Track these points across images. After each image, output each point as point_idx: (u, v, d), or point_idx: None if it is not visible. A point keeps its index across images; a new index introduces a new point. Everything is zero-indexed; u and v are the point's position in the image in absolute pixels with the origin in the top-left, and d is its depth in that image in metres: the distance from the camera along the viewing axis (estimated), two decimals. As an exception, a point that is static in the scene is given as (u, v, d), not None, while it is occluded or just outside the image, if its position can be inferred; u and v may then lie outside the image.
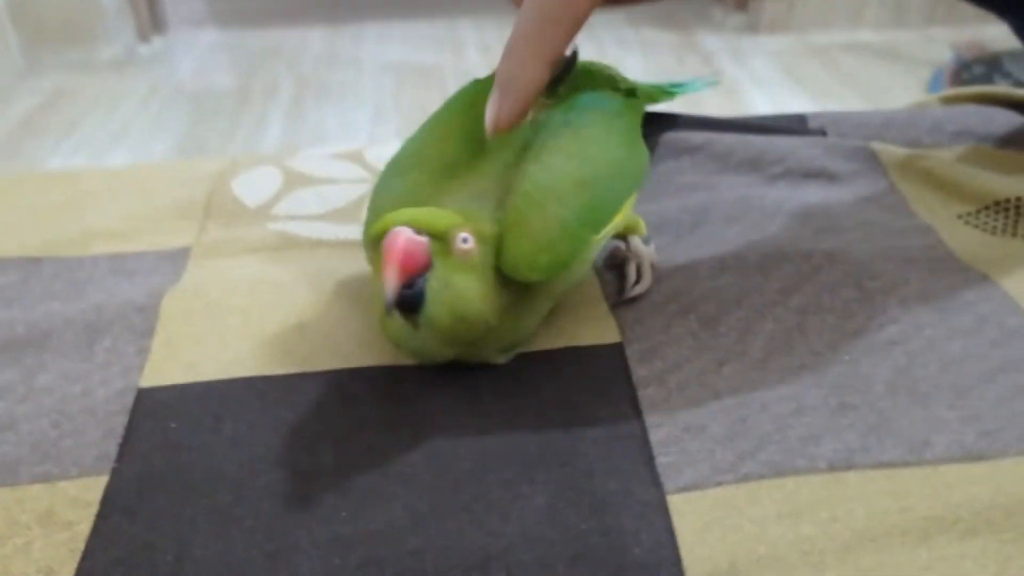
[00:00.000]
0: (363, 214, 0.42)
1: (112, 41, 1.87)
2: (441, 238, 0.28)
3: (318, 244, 0.40)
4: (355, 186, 0.45)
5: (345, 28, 2.05)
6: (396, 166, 0.35)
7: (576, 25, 0.30)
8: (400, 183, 0.34)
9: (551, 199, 0.30)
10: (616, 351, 0.33)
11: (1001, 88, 0.52)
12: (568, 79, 0.36)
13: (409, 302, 0.28)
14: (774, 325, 0.34)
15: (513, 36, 0.30)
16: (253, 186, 0.45)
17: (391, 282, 0.27)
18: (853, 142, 0.46)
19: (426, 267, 0.28)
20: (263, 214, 0.42)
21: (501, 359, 0.32)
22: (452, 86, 1.70)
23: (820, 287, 0.35)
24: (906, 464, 0.28)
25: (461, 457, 0.29)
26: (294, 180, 0.45)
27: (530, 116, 0.34)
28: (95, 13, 1.82)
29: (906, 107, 0.53)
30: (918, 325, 0.33)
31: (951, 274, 0.36)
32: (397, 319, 0.28)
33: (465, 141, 0.34)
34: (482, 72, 0.43)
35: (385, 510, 0.27)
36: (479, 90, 0.36)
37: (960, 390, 0.31)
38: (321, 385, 0.31)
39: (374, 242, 0.28)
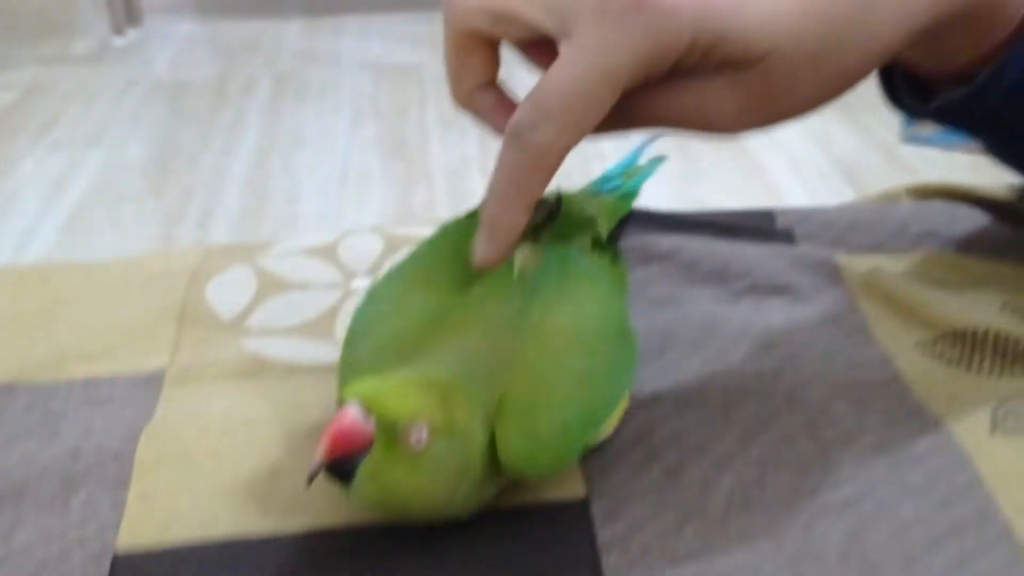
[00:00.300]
0: (338, 330, 0.43)
1: (87, 33, 1.85)
2: (389, 428, 0.28)
3: (292, 370, 0.41)
4: (329, 292, 0.45)
5: (324, 21, 2.04)
6: (378, 307, 0.35)
7: (553, 170, 0.31)
8: (382, 330, 0.34)
9: (555, 397, 0.31)
10: (581, 509, 0.34)
11: (965, 185, 0.53)
12: (550, 226, 0.37)
13: (337, 472, 0.28)
14: (733, 478, 0.35)
15: (495, 177, 0.31)
16: (227, 292, 0.45)
17: (316, 456, 0.27)
18: (818, 253, 0.47)
19: (365, 449, 0.28)
20: (237, 327, 0.43)
21: (465, 516, 0.32)
22: (431, 88, 1.70)
23: (779, 436, 0.36)
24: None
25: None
26: (268, 286, 0.46)
27: (518, 263, 0.35)
28: (69, 4, 1.80)
29: (875, 201, 0.54)
30: (872, 483, 0.34)
31: (907, 420, 0.37)
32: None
33: (450, 289, 0.35)
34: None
35: None
36: (460, 232, 0.36)
37: (908, 559, 0.32)
38: (292, 552, 0.32)
39: (339, 400, 0.29)
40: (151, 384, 0.40)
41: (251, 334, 0.43)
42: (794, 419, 0.37)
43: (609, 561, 0.32)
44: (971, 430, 0.37)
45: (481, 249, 0.32)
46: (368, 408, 0.28)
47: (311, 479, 0.28)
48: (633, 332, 0.36)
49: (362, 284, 0.46)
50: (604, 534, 0.33)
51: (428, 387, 0.30)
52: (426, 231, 0.50)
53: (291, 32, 1.99)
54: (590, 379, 0.32)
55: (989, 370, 0.40)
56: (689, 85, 0.31)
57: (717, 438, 0.36)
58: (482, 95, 0.34)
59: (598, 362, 0.33)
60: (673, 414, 0.37)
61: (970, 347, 0.41)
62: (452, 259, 0.36)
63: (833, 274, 0.46)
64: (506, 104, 0.35)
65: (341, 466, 0.28)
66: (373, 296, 0.36)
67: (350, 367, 0.34)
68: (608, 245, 0.38)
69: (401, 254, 0.48)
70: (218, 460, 0.35)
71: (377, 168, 1.32)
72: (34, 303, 0.45)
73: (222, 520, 0.33)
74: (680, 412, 0.37)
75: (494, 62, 0.35)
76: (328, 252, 0.49)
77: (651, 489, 0.35)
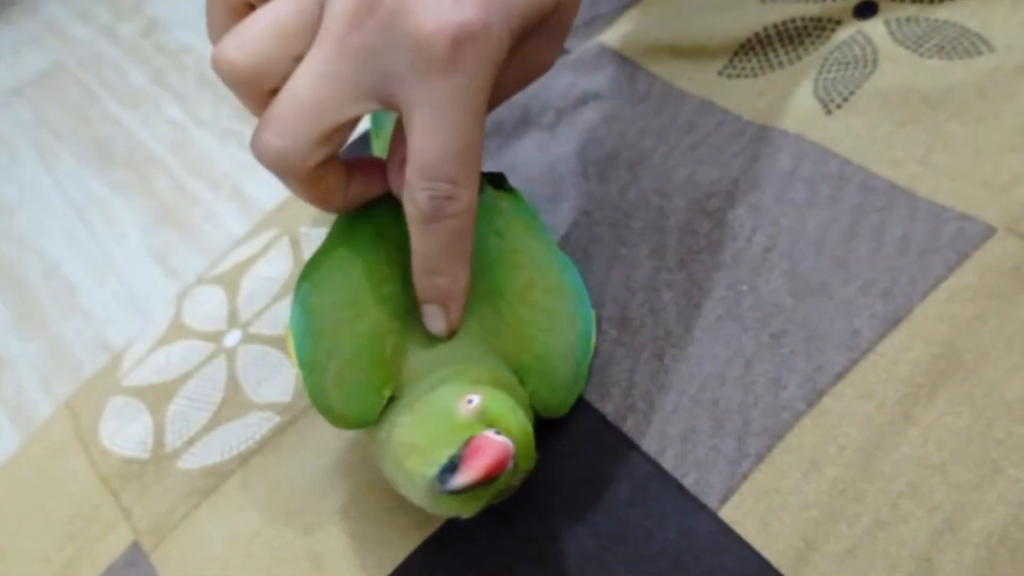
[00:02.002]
0: (249, 389, 0.42)
1: None
2: (523, 443, 0.29)
3: (243, 458, 0.39)
4: (216, 368, 0.44)
5: None
6: (336, 307, 0.33)
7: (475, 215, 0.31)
8: (361, 326, 0.32)
9: (561, 346, 0.33)
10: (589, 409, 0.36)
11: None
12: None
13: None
14: (671, 293, 0.37)
15: (431, 257, 0.31)
16: (124, 430, 0.43)
17: (466, 476, 0.27)
18: (590, 49, 0.47)
19: (506, 467, 0.28)
20: (164, 456, 0.41)
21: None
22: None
23: (678, 233, 0.38)
24: (854, 363, 0.33)
25: None
26: (156, 399, 0.44)
27: None
28: None
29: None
30: (772, 219, 0.37)
31: (756, 145, 0.40)
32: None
33: (403, 281, 0.33)
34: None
35: None
36: (374, 222, 0.34)
37: (842, 262, 0.35)
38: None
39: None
40: (136, 563, 0.38)
41: (181, 454, 0.41)
42: (679, 209, 0.39)
43: (629, 426, 0.34)
44: (808, 121, 0.40)
45: (446, 322, 0.32)
46: (502, 431, 0.28)
47: (453, 490, 0.28)
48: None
49: (233, 339, 0.44)
50: (608, 408, 0.35)
51: (503, 389, 0.31)
52: (245, 253, 0.48)
53: None
54: (573, 313, 0.34)
55: (788, 61, 0.42)
56: (526, 55, 0.31)
57: (630, 268, 0.38)
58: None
59: (570, 293, 0.35)
60: (597, 271, 0.39)
61: (762, 50, 0.43)
62: (382, 250, 0.34)
63: (616, 59, 0.47)
64: None
65: (484, 486, 0.28)
66: (319, 328, 0.33)
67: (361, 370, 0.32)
68: (491, 175, 0.37)
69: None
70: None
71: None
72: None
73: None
74: (585, 260, 0.39)
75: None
76: (181, 331, 0.46)
77: (616, 345, 0.36)
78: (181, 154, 1.27)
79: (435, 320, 0.32)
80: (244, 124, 1.24)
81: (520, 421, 0.29)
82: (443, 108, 0.28)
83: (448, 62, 0.27)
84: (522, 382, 0.33)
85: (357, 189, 0.33)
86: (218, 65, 0.29)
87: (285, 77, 0.29)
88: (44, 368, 1.10)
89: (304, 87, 0.28)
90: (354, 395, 0.32)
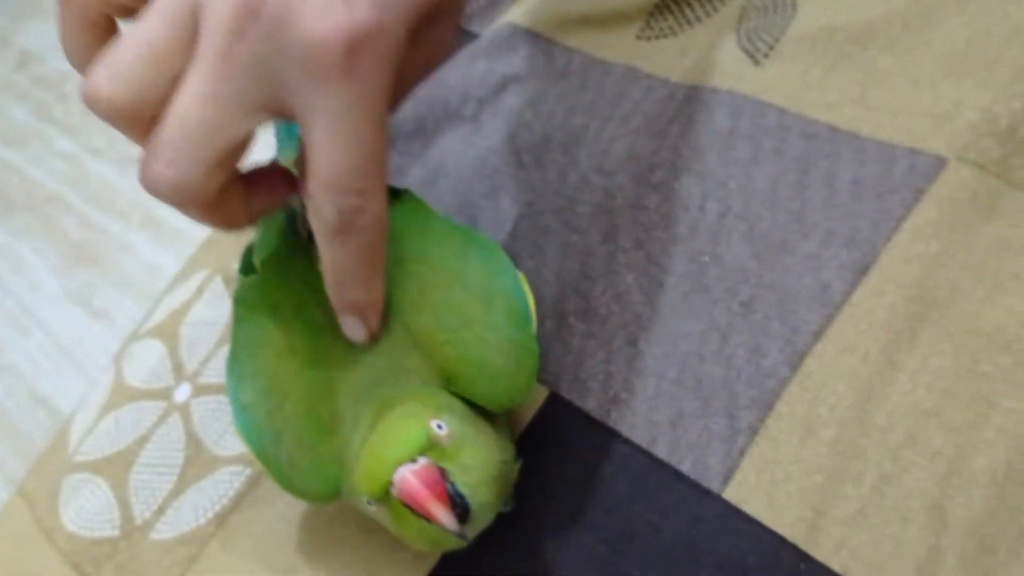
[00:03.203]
0: (211, 443, 0.40)
1: None
2: (428, 447, 0.28)
3: (221, 520, 0.38)
4: (172, 425, 0.42)
5: None
6: (262, 396, 0.32)
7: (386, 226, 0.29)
8: (289, 407, 0.32)
9: (488, 335, 0.31)
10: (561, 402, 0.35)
11: None
12: None
13: (463, 515, 0.28)
14: (633, 275, 0.36)
15: (343, 270, 0.29)
16: (86, 511, 0.40)
17: (447, 517, 0.27)
18: (501, 31, 0.46)
19: (445, 477, 0.28)
20: (135, 529, 0.39)
21: (508, 507, 0.33)
22: None
23: (628, 211, 0.37)
24: (830, 319, 0.32)
25: None
26: (114, 471, 0.41)
27: None
28: None
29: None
30: (720, 183, 0.36)
31: (690, 107, 0.39)
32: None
33: (311, 330, 0.32)
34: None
35: None
36: (261, 294, 0.33)
37: (798, 216, 0.35)
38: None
39: (379, 496, 0.28)
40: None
41: (153, 525, 0.39)
42: (624, 187, 0.38)
43: (614, 417, 0.33)
44: (737, 75, 0.39)
45: (365, 330, 0.31)
46: (405, 458, 0.28)
47: (467, 536, 0.28)
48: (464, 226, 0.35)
49: (184, 393, 0.42)
50: (591, 404, 0.34)
51: (392, 405, 0.30)
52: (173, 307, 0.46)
53: None
54: (488, 294, 0.32)
55: (706, 14, 0.41)
56: (422, 46, 0.30)
57: (582, 252, 0.37)
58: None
59: (479, 275, 0.33)
60: (538, 261, 0.38)
61: (676, 7, 0.42)
62: (279, 311, 0.33)
63: (529, 38, 0.45)
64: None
65: (461, 513, 0.27)
66: (257, 423, 0.33)
67: (309, 453, 0.32)
68: None
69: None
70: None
71: None
72: None
73: None
74: (538, 254, 0.38)
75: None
76: (126, 392, 0.44)
77: (581, 337, 0.35)
78: (81, 188, 1.22)
79: (354, 329, 0.31)
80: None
81: (406, 433, 0.28)
82: (342, 118, 0.26)
83: (343, 70, 0.25)
84: (458, 387, 0.31)
85: (260, 202, 0.31)
86: (93, 102, 0.27)
87: (166, 101, 0.27)
88: (-21, 433, 1.06)
89: (190, 109, 0.26)
90: (312, 473, 0.32)
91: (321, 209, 0.27)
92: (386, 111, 0.27)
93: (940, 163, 0.34)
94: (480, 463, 0.29)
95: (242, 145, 0.28)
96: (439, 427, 0.28)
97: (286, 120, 0.28)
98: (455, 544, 0.29)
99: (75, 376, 1.03)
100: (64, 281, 1.15)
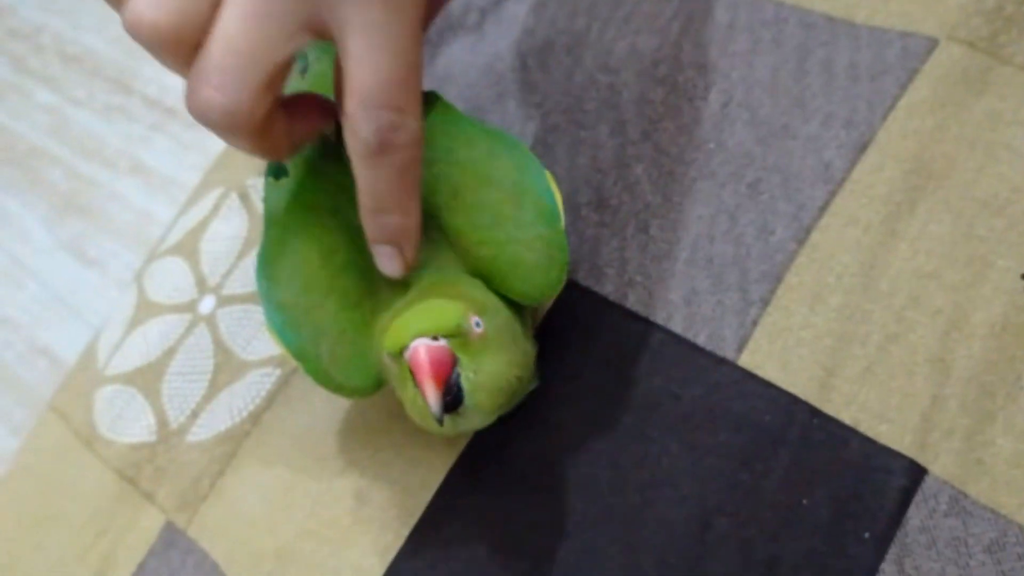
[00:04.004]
0: (234, 343, 0.41)
1: None
2: (457, 334, 0.29)
3: (254, 418, 0.39)
4: (201, 337, 0.43)
5: None
6: (300, 294, 0.33)
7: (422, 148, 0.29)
8: (331, 304, 0.32)
9: (519, 232, 0.32)
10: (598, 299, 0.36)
11: None
12: None
13: (452, 404, 0.29)
14: (642, 166, 0.38)
15: (379, 195, 0.29)
16: (124, 419, 0.42)
17: (433, 396, 0.28)
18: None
19: (455, 366, 0.29)
20: (177, 431, 0.41)
21: (533, 384, 0.34)
22: None
23: (634, 106, 0.39)
24: (832, 195, 0.34)
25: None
26: (149, 394, 0.43)
27: None
28: None
29: None
30: (723, 74, 0.38)
31: (688, 4, 0.40)
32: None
33: (350, 234, 0.33)
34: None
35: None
36: (295, 196, 0.34)
37: (798, 101, 0.36)
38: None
39: (394, 354, 0.29)
40: (175, 541, 0.38)
41: (188, 429, 0.41)
42: (629, 83, 0.39)
43: (635, 304, 0.35)
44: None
45: (401, 263, 0.31)
46: (428, 332, 0.28)
47: (442, 420, 0.28)
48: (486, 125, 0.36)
49: (208, 305, 0.43)
50: (613, 293, 0.36)
51: (435, 292, 0.31)
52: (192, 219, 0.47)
53: None
54: (518, 190, 0.33)
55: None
56: None
57: (590, 148, 0.39)
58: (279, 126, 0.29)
59: (507, 173, 0.33)
60: (565, 155, 0.39)
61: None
62: (317, 217, 0.33)
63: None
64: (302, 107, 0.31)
65: (452, 401, 0.28)
66: (295, 320, 0.33)
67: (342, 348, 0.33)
68: None
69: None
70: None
71: None
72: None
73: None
74: (553, 148, 0.39)
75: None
76: (151, 308, 0.45)
77: (597, 227, 0.37)
78: (65, 139, 1.21)
79: (389, 261, 0.31)
80: (125, 96, 1.19)
81: (441, 313, 0.29)
82: (380, 32, 0.26)
83: None
84: (493, 283, 0.32)
85: (302, 130, 0.31)
86: (135, 29, 0.26)
87: (209, 25, 0.26)
88: (-19, 386, 1.06)
89: (237, 31, 0.26)
90: (354, 367, 0.32)
91: (358, 129, 0.27)
92: (420, 25, 0.27)
93: (931, 43, 0.35)
94: (493, 372, 0.30)
95: (286, 68, 0.28)
96: (476, 324, 0.29)
97: (325, 39, 0.27)
98: (436, 428, 0.30)
99: (74, 324, 1.03)
100: (55, 232, 1.15)
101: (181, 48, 0.27)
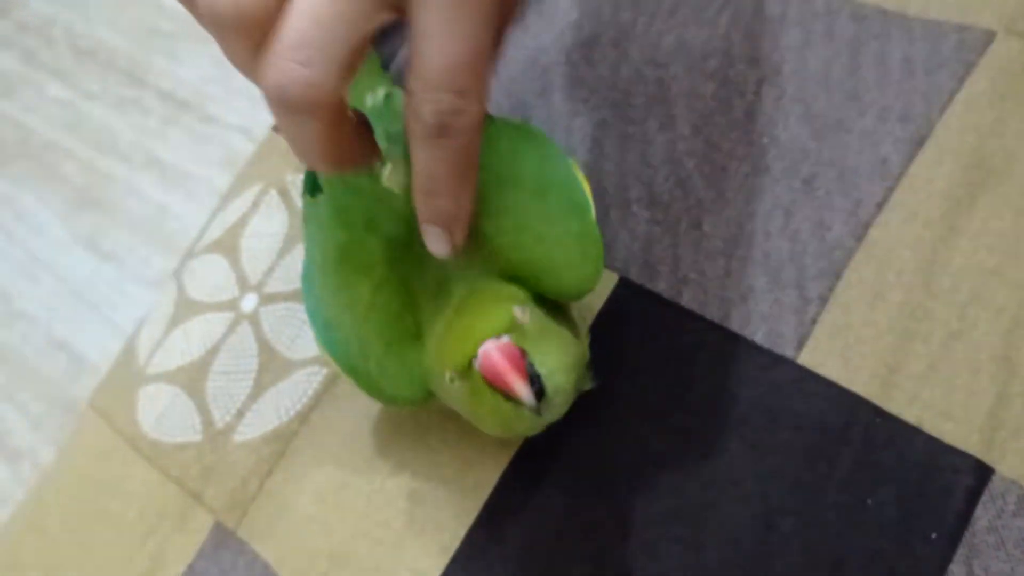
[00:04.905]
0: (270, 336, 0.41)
1: None
2: (511, 329, 0.29)
3: (306, 413, 0.39)
4: (245, 334, 0.43)
5: None
6: (346, 311, 0.33)
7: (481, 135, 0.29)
8: (376, 317, 0.33)
9: (544, 230, 0.32)
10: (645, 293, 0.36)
11: None
12: None
13: (539, 394, 0.29)
14: (693, 161, 0.37)
15: (432, 176, 0.28)
16: (168, 417, 0.42)
17: (524, 390, 0.28)
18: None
19: (524, 356, 0.29)
20: (224, 430, 0.41)
21: (589, 386, 0.34)
22: None
23: (684, 100, 0.38)
24: (890, 190, 0.34)
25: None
26: (192, 389, 0.43)
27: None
28: None
29: None
30: (774, 68, 0.38)
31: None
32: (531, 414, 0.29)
33: (387, 256, 0.33)
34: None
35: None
36: (331, 212, 0.34)
37: (853, 95, 0.36)
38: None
39: (462, 369, 0.29)
40: (225, 542, 0.38)
41: (235, 428, 0.40)
42: (679, 77, 0.39)
43: (689, 302, 0.35)
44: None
45: (449, 244, 0.30)
46: (490, 334, 0.28)
47: (540, 411, 0.28)
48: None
49: (251, 303, 0.43)
50: (662, 287, 0.35)
51: (475, 298, 0.31)
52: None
53: None
54: (540, 186, 0.32)
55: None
56: None
57: (648, 145, 0.38)
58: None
59: (526, 166, 0.33)
60: (614, 160, 0.39)
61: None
62: (353, 229, 0.33)
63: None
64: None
65: (536, 384, 0.28)
66: (343, 338, 0.33)
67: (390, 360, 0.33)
68: None
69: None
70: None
71: None
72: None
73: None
74: (600, 151, 0.39)
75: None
76: (192, 306, 0.45)
77: (647, 225, 0.37)
78: (79, 133, 1.21)
79: (437, 242, 0.30)
80: (138, 89, 1.19)
81: (491, 314, 0.29)
82: (452, 9, 0.25)
83: None
84: (527, 285, 0.32)
85: (366, 145, 0.30)
86: (217, 7, 0.25)
87: (282, 5, 0.25)
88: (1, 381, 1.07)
89: (320, 3, 0.25)
90: (402, 378, 0.33)
91: (420, 109, 0.27)
92: (495, 9, 0.26)
93: (988, 36, 0.35)
94: (557, 350, 0.30)
95: (366, 45, 0.27)
96: (522, 312, 0.30)
97: (401, 15, 0.27)
98: (525, 427, 0.30)
99: (91, 319, 1.04)
100: (71, 226, 1.15)
101: (257, 29, 0.26)
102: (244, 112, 1.11)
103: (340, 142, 0.28)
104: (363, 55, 0.27)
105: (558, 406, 0.30)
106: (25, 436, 1.01)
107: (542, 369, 0.29)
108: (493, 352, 0.28)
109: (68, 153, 1.18)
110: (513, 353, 0.28)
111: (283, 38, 0.25)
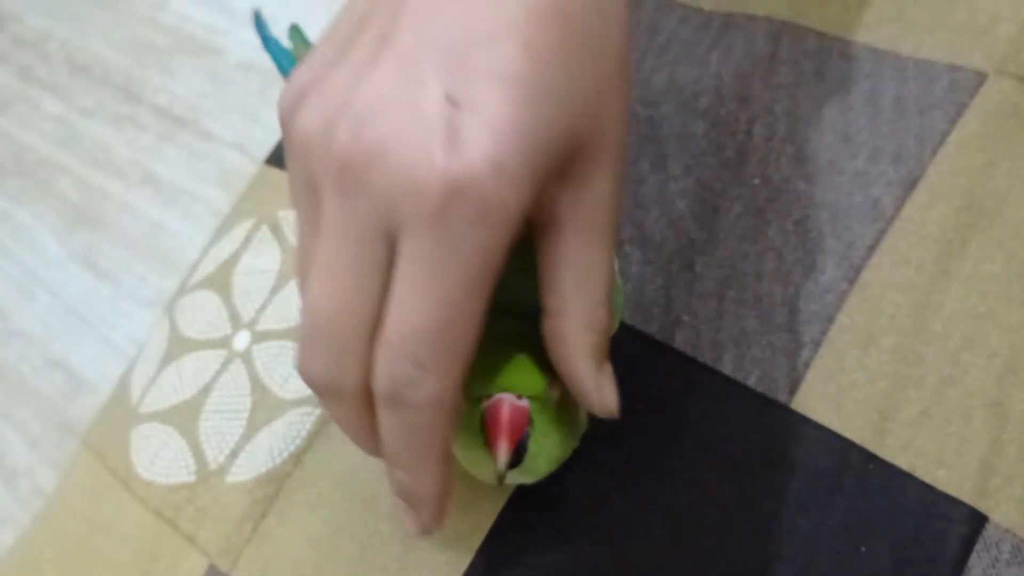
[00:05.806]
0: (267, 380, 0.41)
1: None
2: (536, 397, 0.28)
3: (296, 460, 0.39)
4: (237, 372, 0.43)
5: None
6: None
7: (456, 411, 0.26)
8: None
9: None
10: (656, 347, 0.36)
11: None
12: None
13: (513, 464, 0.28)
14: (685, 201, 0.37)
15: (389, 443, 0.26)
16: (161, 457, 0.42)
17: (503, 456, 0.27)
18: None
19: (526, 427, 0.28)
20: (218, 471, 0.40)
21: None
22: None
23: (675, 140, 0.38)
24: (882, 233, 0.34)
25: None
26: (187, 434, 0.43)
27: None
28: None
29: None
30: (765, 107, 0.37)
31: (727, 34, 0.40)
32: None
33: None
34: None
35: None
36: None
37: (844, 136, 0.36)
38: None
39: (472, 398, 0.28)
40: (218, 585, 0.38)
41: (228, 469, 0.40)
42: (664, 110, 0.39)
43: (691, 346, 0.35)
44: (770, 0, 0.40)
45: (417, 524, 0.28)
46: (516, 389, 0.28)
47: (502, 478, 0.28)
48: None
49: (243, 341, 0.43)
50: (652, 328, 0.35)
51: (522, 343, 0.30)
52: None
53: None
54: None
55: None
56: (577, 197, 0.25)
57: (656, 196, 0.38)
58: None
59: None
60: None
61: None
62: None
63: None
64: None
65: (518, 455, 0.28)
66: None
67: None
68: None
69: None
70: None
71: None
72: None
73: None
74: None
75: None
76: (185, 344, 0.45)
77: (665, 266, 0.37)
78: (74, 149, 1.21)
79: (404, 516, 0.29)
80: (134, 105, 1.19)
81: (530, 374, 0.29)
82: (424, 271, 0.23)
83: (436, 215, 0.22)
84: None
85: None
86: (314, 316, 0.25)
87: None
88: (-2, 399, 1.07)
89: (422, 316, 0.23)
90: None
91: (375, 371, 0.24)
92: (484, 277, 0.23)
93: (980, 77, 0.35)
94: (556, 445, 0.30)
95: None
96: (551, 389, 0.29)
97: None
98: (481, 475, 0.30)
99: (88, 337, 1.04)
100: (66, 243, 1.15)
101: (363, 338, 0.24)
102: (239, 128, 1.11)
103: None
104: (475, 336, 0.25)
105: (521, 480, 0.31)
106: (23, 455, 1.01)
107: (533, 447, 0.28)
108: (505, 407, 0.28)
109: (63, 169, 1.18)
110: (519, 420, 0.28)
111: (399, 344, 0.24)
